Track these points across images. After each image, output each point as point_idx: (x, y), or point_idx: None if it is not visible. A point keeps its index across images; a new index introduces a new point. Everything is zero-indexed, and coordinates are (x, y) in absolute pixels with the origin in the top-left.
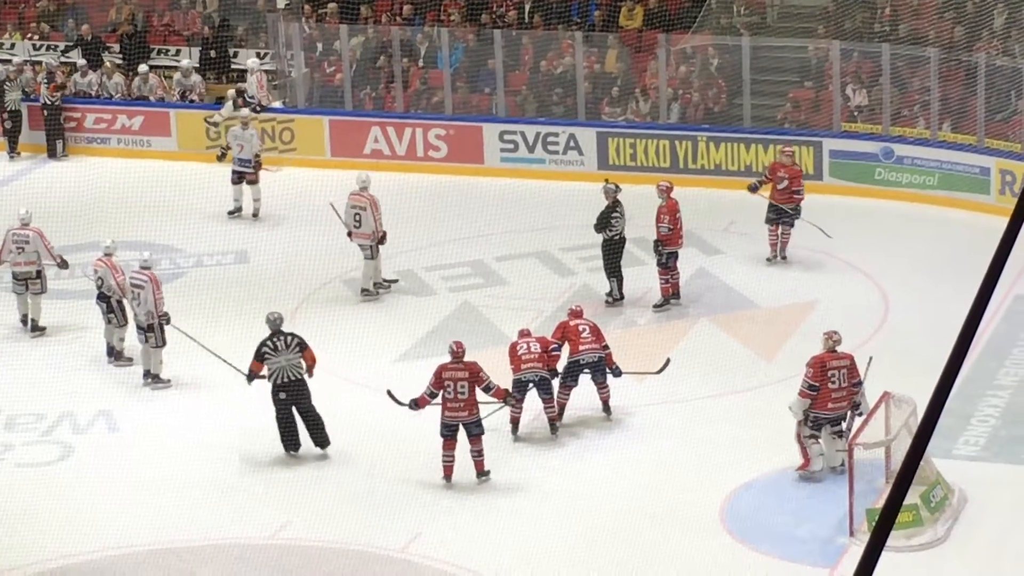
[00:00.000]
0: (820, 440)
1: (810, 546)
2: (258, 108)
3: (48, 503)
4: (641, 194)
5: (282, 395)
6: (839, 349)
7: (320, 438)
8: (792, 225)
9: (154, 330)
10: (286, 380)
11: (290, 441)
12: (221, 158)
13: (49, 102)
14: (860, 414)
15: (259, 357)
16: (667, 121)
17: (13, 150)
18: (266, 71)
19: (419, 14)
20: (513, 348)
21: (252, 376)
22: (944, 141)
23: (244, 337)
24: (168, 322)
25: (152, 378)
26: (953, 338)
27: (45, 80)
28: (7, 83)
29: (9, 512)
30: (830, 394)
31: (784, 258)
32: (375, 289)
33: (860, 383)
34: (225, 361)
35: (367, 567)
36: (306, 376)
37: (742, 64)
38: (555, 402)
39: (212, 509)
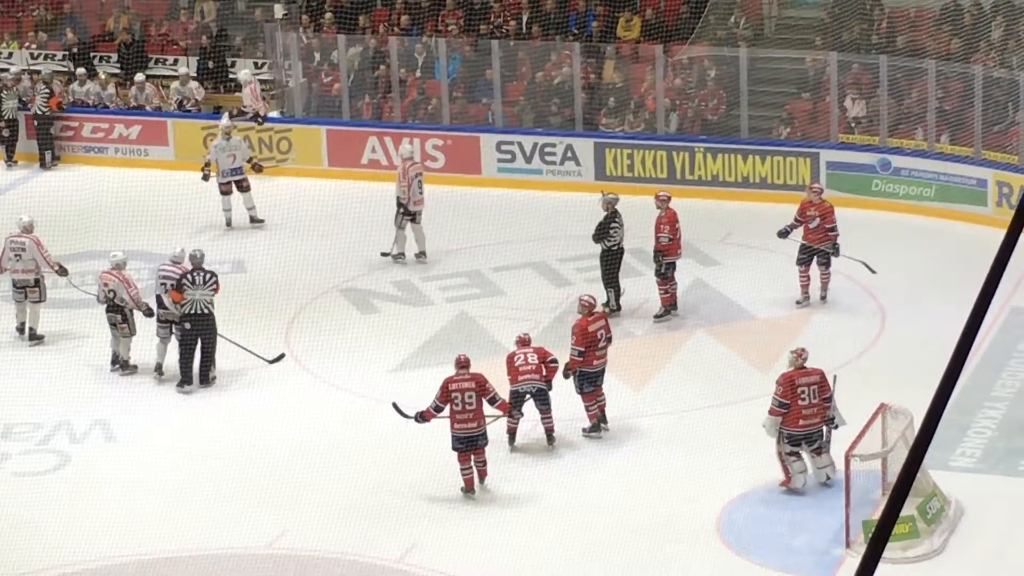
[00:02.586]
0: (802, 456)
1: (806, 557)
2: (259, 120)
3: (44, 512)
4: (638, 205)
5: (187, 325)
6: (807, 365)
7: (205, 373)
8: (829, 264)
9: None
10: (196, 312)
11: (187, 374)
12: (206, 179)
13: (40, 112)
14: (835, 427)
15: (179, 288)
16: (665, 132)
17: (11, 158)
18: (261, 81)
19: (417, 24)
20: (511, 359)
21: (171, 304)
22: (941, 153)
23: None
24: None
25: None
26: (950, 349)
27: (47, 92)
28: (4, 91)
29: (6, 521)
30: (800, 411)
31: (823, 299)
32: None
33: (831, 397)
34: (247, 350)
35: None
36: (215, 311)
37: (739, 75)
38: (552, 414)
39: (209, 518)
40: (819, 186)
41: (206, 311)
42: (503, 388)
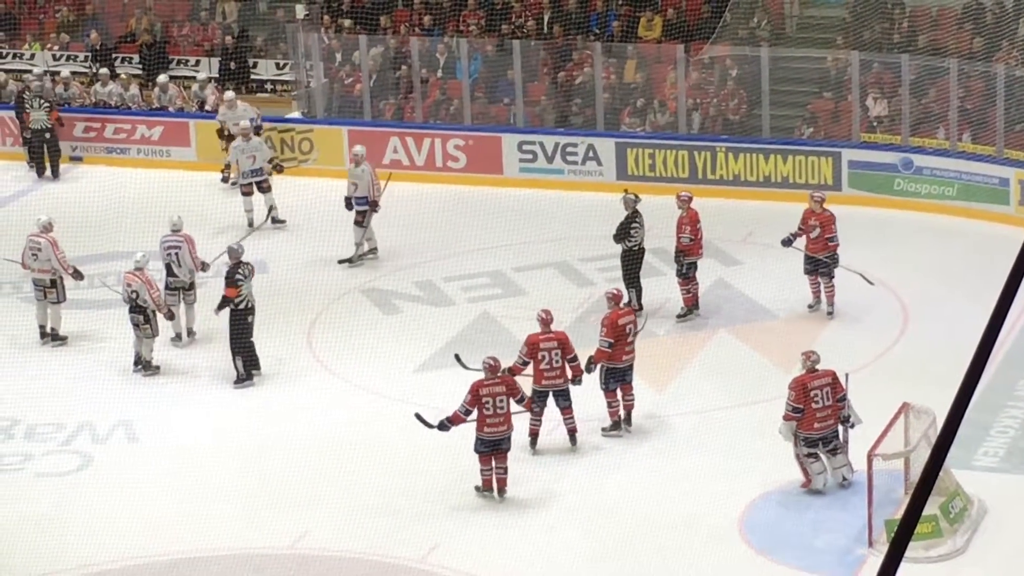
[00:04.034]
0: (821, 457)
1: (829, 557)
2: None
3: (67, 513)
4: (659, 205)
5: (250, 319)
6: (819, 367)
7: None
8: (832, 276)
9: (194, 287)
10: (252, 305)
11: (256, 363)
12: (226, 180)
13: (41, 127)
14: (851, 426)
15: (234, 283)
16: (687, 131)
17: (45, 167)
18: (284, 81)
19: (438, 24)
20: (534, 346)
21: (227, 302)
22: (963, 152)
23: (263, 345)
24: (206, 269)
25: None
26: (972, 348)
27: (47, 105)
28: (27, 92)
29: (29, 522)
30: (815, 414)
31: (830, 314)
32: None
33: (845, 397)
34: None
35: None
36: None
37: (761, 75)
38: (574, 413)
39: (231, 518)
40: (820, 195)
41: (255, 303)
42: (520, 375)
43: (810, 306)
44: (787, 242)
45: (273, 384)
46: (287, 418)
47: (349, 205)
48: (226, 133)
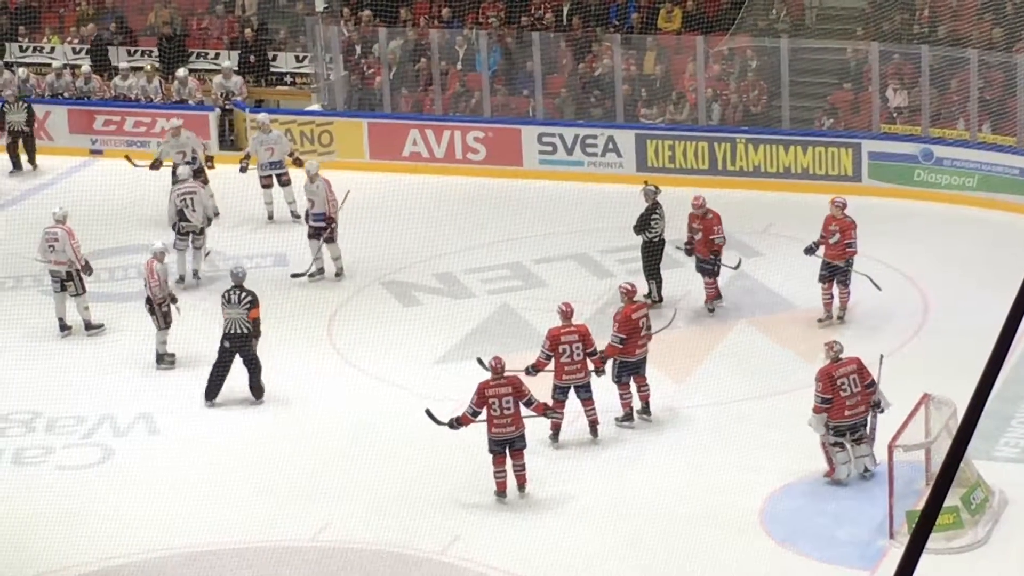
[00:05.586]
0: (847, 447)
1: (850, 548)
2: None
3: (89, 505)
4: (680, 196)
5: (226, 343)
6: (842, 356)
7: (255, 386)
8: (848, 283)
9: (204, 233)
10: (233, 331)
11: (212, 389)
12: (244, 170)
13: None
14: (881, 411)
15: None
16: (707, 123)
17: (17, 166)
18: (303, 74)
19: (457, 17)
20: (556, 339)
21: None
22: (983, 142)
23: (283, 339)
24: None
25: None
26: (993, 339)
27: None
28: (6, 106)
29: (51, 514)
30: (844, 402)
31: (841, 319)
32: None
33: (874, 383)
34: None
35: (406, 569)
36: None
37: (781, 66)
38: (595, 405)
39: (252, 511)
40: (842, 200)
41: (241, 331)
42: (538, 367)
43: (820, 320)
44: (810, 250)
45: (293, 377)
46: (307, 410)
47: (306, 217)
48: (159, 163)
